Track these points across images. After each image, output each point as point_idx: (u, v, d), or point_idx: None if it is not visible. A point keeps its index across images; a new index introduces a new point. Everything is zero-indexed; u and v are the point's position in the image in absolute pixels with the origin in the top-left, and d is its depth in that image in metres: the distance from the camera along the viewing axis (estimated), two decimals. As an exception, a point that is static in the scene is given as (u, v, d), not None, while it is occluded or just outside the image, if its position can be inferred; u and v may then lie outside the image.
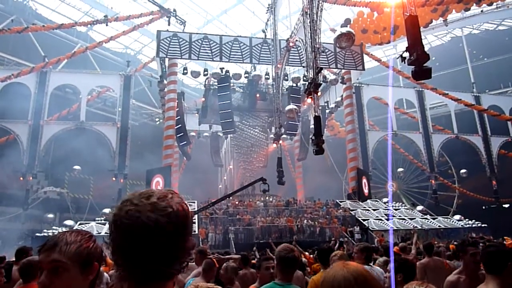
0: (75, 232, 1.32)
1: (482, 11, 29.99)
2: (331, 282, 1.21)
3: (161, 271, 1.02)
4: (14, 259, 5.44)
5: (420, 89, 31.47)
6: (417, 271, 5.71)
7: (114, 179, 26.25)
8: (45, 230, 22.00)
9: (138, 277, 1.00)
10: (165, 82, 27.41)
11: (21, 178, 25.70)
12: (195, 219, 20.55)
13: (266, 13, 26.47)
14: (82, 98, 27.69)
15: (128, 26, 29.50)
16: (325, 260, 4.25)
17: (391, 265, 3.48)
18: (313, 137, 14.54)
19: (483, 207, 32.49)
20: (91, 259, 1.25)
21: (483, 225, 24.34)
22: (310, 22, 15.80)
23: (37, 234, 21.38)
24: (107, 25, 26.95)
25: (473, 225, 24.24)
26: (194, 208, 21.60)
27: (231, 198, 28.16)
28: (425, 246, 6.06)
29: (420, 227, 20.80)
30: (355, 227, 21.24)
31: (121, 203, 1.06)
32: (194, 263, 5.38)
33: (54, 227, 23.11)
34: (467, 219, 25.25)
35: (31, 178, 25.59)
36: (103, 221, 20.71)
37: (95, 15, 32.37)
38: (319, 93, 16.26)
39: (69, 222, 22.74)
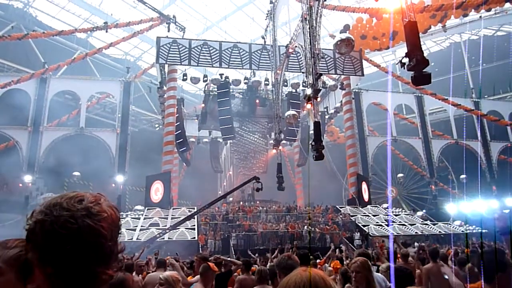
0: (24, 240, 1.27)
1: (480, 17, 30.06)
2: (284, 286, 1.22)
3: (96, 277, 0.98)
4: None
5: (420, 95, 31.55)
6: (422, 276, 5.69)
7: (113, 185, 26.20)
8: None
9: (73, 284, 0.96)
10: (164, 88, 27.46)
11: (21, 185, 25.66)
12: (194, 225, 20.50)
13: (266, 19, 26.59)
14: (82, 104, 27.72)
15: (128, 33, 29.60)
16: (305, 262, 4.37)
17: (391, 272, 3.45)
18: (313, 143, 14.53)
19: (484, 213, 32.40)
20: (32, 267, 1.17)
21: (483, 231, 24.27)
22: (309, 28, 15.86)
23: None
24: (107, 31, 27.03)
25: (474, 231, 24.17)
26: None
27: (231, 204, 28.21)
28: (430, 252, 6.04)
29: (420, 233, 20.76)
30: (355, 233, 21.20)
31: (47, 207, 0.99)
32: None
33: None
34: (467, 225, 25.17)
35: (30, 184, 25.54)
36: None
37: (95, 21, 32.50)
38: (318, 99, 16.27)
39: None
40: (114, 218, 1.04)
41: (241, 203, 27.91)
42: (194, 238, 19.25)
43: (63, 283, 0.96)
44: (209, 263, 4.54)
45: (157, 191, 24.23)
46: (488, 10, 22.90)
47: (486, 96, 34.67)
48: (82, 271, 0.96)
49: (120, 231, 1.07)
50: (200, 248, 18.47)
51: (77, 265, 0.95)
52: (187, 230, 19.85)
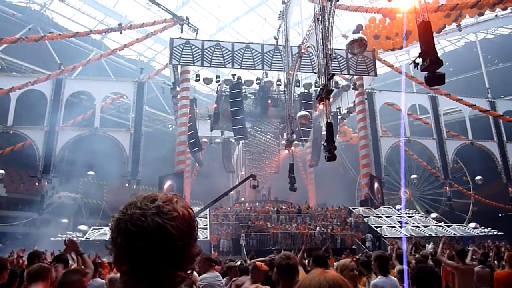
0: None
1: (496, 15, 29.59)
2: (306, 287, 1.23)
3: (167, 278, 0.98)
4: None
5: (434, 95, 31.14)
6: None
7: (127, 184, 26.50)
8: (59, 235, 22.28)
9: (144, 284, 0.97)
10: (177, 88, 27.68)
11: (37, 184, 26.13)
12: (206, 224, 20.59)
13: (278, 20, 26.58)
14: (97, 104, 28.11)
15: (142, 34, 29.90)
16: (323, 264, 4.37)
17: (405, 275, 3.41)
18: (325, 143, 14.49)
19: (499, 215, 31.90)
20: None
21: (499, 233, 23.87)
22: (322, 29, 15.82)
23: (52, 239, 21.67)
24: (121, 33, 27.35)
25: (489, 233, 23.78)
26: (206, 215, 21.68)
27: (242, 204, 28.29)
28: (458, 252, 6.06)
29: (434, 235, 20.51)
30: (367, 234, 21.07)
31: (125, 206, 1.02)
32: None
33: (68, 232, 23.41)
34: (482, 227, 24.78)
35: (46, 183, 25.98)
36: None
37: (109, 23, 32.93)
38: (331, 99, 16.20)
39: (82, 227, 23.02)
40: (187, 218, 1.02)
41: (256, 203, 27.93)
42: (206, 237, 19.34)
43: (134, 281, 0.98)
44: (256, 262, 4.39)
45: (169, 191, 24.38)
46: (504, 9, 22.46)
47: (502, 96, 34.03)
48: (153, 270, 0.96)
49: (195, 233, 1.06)
50: (212, 248, 18.56)
51: (147, 264, 0.96)
52: (200, 229, 19.95)
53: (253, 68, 27.34)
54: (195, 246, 1.04)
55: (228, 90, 27.45)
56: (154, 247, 0.95)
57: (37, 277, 3.17)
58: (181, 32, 27.34)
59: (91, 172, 29.71)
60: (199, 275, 5.09)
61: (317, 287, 1.21)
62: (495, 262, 8.40)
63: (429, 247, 9.44)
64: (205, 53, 25.89)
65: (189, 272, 1.03)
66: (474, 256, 8.90)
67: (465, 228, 24.30)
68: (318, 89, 16.86)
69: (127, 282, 0.99)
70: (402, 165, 32.04)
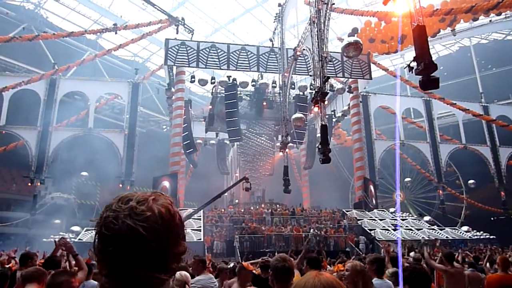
0: None
1: (490, 21, 29.87)
2: None
3: (144, 281, 0.94)
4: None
5: (428, 99, 31.33)
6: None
7: (121, 185, 26.35)
8: (52, 236, 22.09)
9: (121, 287, 0.94)
10: (172, 89, 27.62)
11: (29, 184, 25.91)
12: (200, 226, 20.53)
13: (274, 22, 26.61)
14: (91, 105, 27.95)
15: (137, 34, 29.83)
16: (317, 266, 4.42)
17: (400, 278, 3.41)
18: (320, 146, 14.50)
19: (492, 218, 32.12)
20: None
21: (491, 237, 24.04)
22: (317, 31, 15.85)
23: (44, 240, 21.49)
24: (116, 33, 27.24)
25: (481, 237, 23.95)
26: (200, 217, 21.62)
27: (237, 206, 28.22)
28: (446, 255, 6.07)
29: (427, 238, 20.60)
30: (360, 236, 21.13)
31: (104, 209, 1.00)
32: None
33: (61, 233, 23.22)
34: (475, 230, 24.95)
35: (39, 184, 25.77)
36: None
37: (104, 23, 32.79)
38: (326, 102, 16.23)
39: (75, 228, 22.85)
40: (165, 217, 0.97)
41: (249, 206, 27.88)
42: (200, 239, 19.29)
43: (113, 285, 0.95)
44: (243, 263, 4.39)
45: (164, 192, 24.30)
46: (498, 14, 22.71)
47: (495, 101, 34.33)
48: (128, 274, 0.93)
49: (179, 231, 1.00)
50: (206, 250, 18.49)
51: (122, 268, 0.93)
52: (193, 231, 19.91)
53: (249, 70, 27.33)
54: (179, 245, 0.99)
55: (223, 91, 27.44)
56: (125, 250, 0.92)
57: (33, 279, 3.16)
58: (177, 33, 27.28)
59: (84, 173, 29.51)
60: (192, 277, 5.04)
61: None
62: (487, 265, 8.45)
63: (412, 254, 9.47)
64: (200, 54, 25.86)
65: (171, 273, 0.99)
66: (466, 260, 8.96)
67: (457, 232, 24.45)
68: (313, 91, 16.91)
69: (106, 285, 0.96)
70: (397, 168, 32.19)
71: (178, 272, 3.87)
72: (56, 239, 4.68)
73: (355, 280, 3.20)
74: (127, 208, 0.96)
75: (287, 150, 24.65)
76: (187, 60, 25.79)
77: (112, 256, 0.93)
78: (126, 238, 0.92)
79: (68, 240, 4.76)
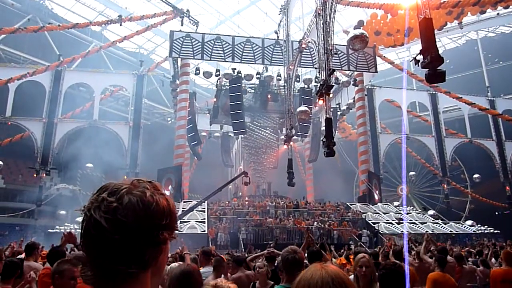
0: None
1: (498, 14, 29.54)
2: (308, 281, 1.23)
3: (117, 272, 0.90)
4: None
5: (434, 92, 31.12)
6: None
7: (125, 177, 26.32)
8: (57, 227, 22.31)
9: (96, 279, 0.92)
10: (177, 82, 27.61)
11: (35, 175, 26.11)
12: (204, 218, 20.61)
13: (279, 14, 26.46)
14: (96, 96, 28.02)
15: (142, 26, 29.77)
16: (319, 259, 4.44)
17: (406, 271, 3.36)
18: (324, 139, 14.48)
19: (496, 213, 32.01)
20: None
21: (495, 231, 23.98)
22: (323, 24, 15.75)
23: (50, 230, 21.70)
24: (121, 25, 27.23)
25: (486, 231, 23.89)
26: (204, 209, 21.70)
27: (240, 199, 28.33)
28: (439, 251, 6.05)
29: (431, 232, 20.58)
30: (363, 230, 21.15)
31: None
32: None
33: (66, 224, 23.44)
34: (479, 225, 24.88)
35: (44, 175, 25.94)
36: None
37: (109, 15, 32.77)
38: (331, 95, 16.17)
39: (80, 219, 23.00)
40: (136, 208, 0.91)
41: (256, 198, 27.96)
42: (204, 231, 19.39)
43: (90, 277, 0.94)
44: (222, 256, 4.45)
45: (168, 184, 24.45)
46: (506, 7, 22.43)
47: (502, 95, 34.02)
48: (95, 266, 0.92)
49: (160, 220, 0.94)
50: (210, 242, 18.58)
51: (94, 261, 0.92)
52: (197, 223, 20.00)
53: (253, 62, 27.26)
54: (154, 236, 0.92)
55: (228, 84, 27.35)
56: (92, 243, 0.91)
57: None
58: (182, 25, 27.22)
59: (89, 164, 29.67)
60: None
61: (320, 281, 1.21)
62: (492, 259, 8.44)
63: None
64: (205, 46, 25.79)
65: (144, 265, 0.93)
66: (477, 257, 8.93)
67: (461, 226, 24.40)
68: (318, 84, 16.83)
69: (85, 277, 0.95)
70: (404, 162, 32.09)
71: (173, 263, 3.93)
72: (64, 232, 4.74)
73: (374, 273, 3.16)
74: (98, 200, 0.92)
75: (291, 143, 24.63)
76: (191, 52, 25.73)
77: (84, 247, 0.94)
78: (90, 231, 0.90)
79: (73, 232, 4.81)
